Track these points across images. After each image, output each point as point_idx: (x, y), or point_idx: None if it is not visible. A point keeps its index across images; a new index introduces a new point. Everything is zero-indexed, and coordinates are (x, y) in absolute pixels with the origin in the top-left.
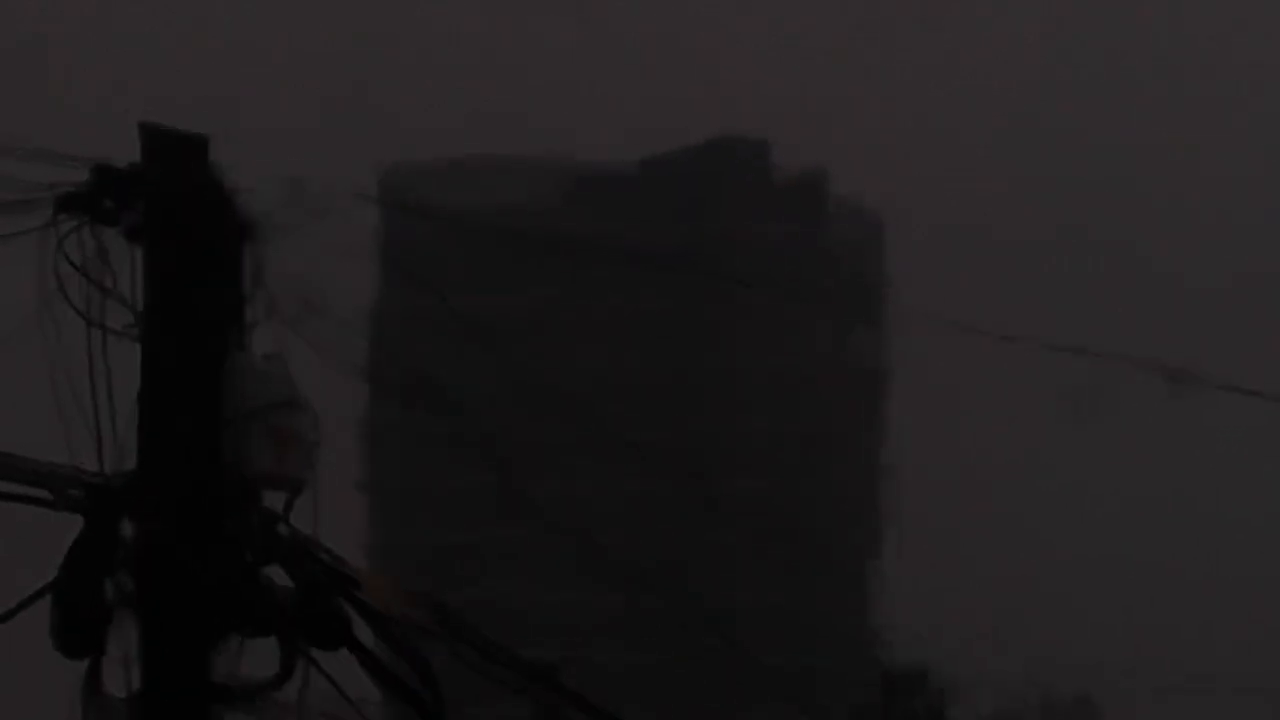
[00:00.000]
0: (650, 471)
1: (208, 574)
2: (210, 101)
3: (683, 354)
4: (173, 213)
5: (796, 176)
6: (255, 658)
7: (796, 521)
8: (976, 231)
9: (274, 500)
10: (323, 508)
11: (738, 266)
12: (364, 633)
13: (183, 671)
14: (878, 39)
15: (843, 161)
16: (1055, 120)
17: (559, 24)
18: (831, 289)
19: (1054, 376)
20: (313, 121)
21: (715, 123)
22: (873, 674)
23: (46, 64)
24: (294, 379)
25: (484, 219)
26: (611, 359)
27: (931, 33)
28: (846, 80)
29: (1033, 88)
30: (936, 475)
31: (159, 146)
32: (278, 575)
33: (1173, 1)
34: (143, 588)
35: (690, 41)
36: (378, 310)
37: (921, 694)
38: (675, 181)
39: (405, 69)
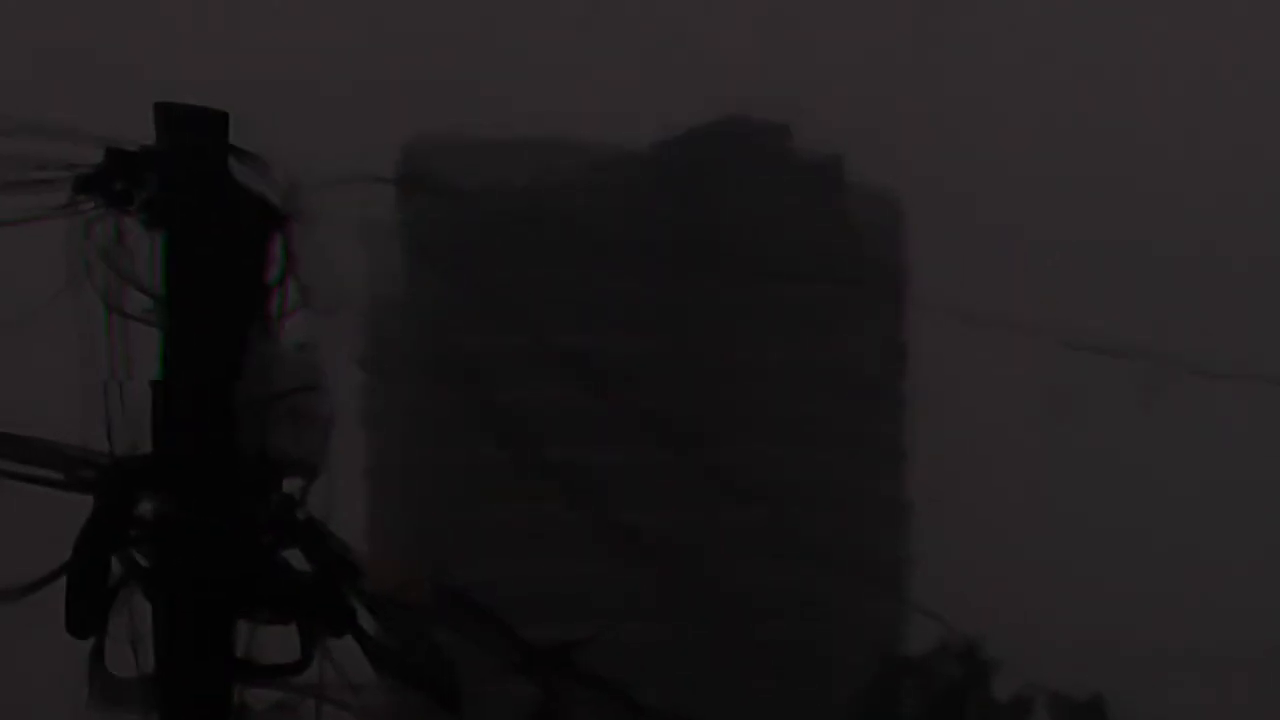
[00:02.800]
0: (666, 449)
1: (223, 555)
2: (225, 84)
3: (697, 335)
4: (191, 196)
5: (814, 159)
6: (266, 644)
7: (815, 502)
8: (995, 221)
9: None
10: (331, 493)
11: (754, 247)
12: (366, 621)
13: (200, 650)
14: (897, 23)
15: (860, 146)
16: (1075, 112)
17: (575, 2)
18: (849, 272)
19: (1067, 369)
20: (329, 103)
21: (731, 104)
22: (885, 653)
23: (64, 42)
24: (318, 364)
25: (500, 199)
26: (627, 338)
27: (953, 19)
28: (866, 63)
29: (1055, 78)
30: (954, 460)
31: (177, 126)
32: (294, 560)
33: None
34: (158, 565)
35: (707, 20)
36: (398, 291)
37: (969, 663)
38: (690, 162)
39: (420, 49)
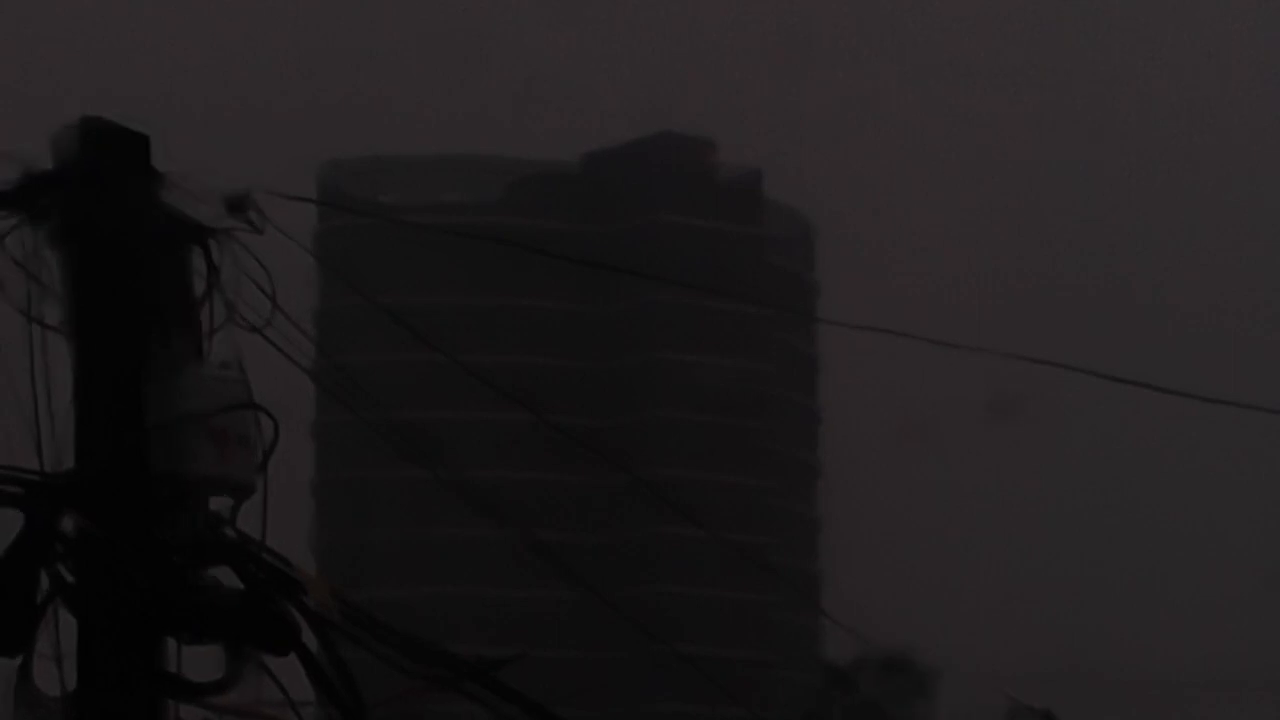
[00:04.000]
0: (589, 465)
1: (140, 573)
2: (148, 99)
3: (617, 349)
4: (103, 213)
5: (734, 176)
6: (203, 662)
7: (732, 517)
8: (906, 238)
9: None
10: (275, 509)
11: (674, 263)
12: (307, 637)
13: (122, 667)
14: (821, 41)
15: (781, 163)
16: (995, 124)
17: (504, 17)
18: (765, 288)
19: (984, 380)
20: (250, 119)
21: (657, 120)
22: (818, 667)
23: None
24: (248, 383)
25: (421, 216)
26: (545, 353)
27: (875, 37)
28: (789, 81)
29: (978, 91)
30: (866, 472)
31: (99, 142)
32: (229, 578)
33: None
34: (81, 584)
35: (632, 38)
36: (318, 310)
37: (905, 675)
38: (616, 178)
39: (344, 64)
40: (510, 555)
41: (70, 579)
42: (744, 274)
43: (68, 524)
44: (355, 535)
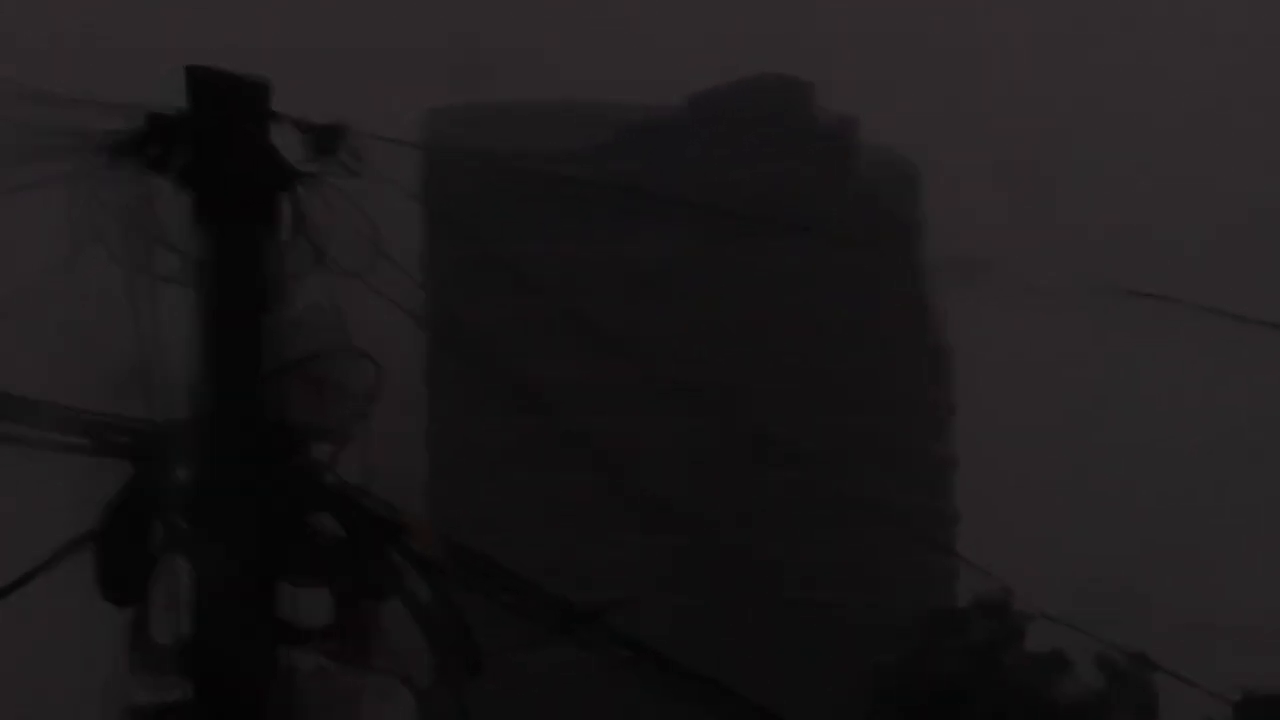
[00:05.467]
0: (698, 416)
1: (253, 520)
2: (251, 50)
3: (724, 299)
4: (221, 159)
5: (832, 121)
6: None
7: (851, 463)
8: (1011, 178)
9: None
10: (387, 457)
11: (776, 209)
12: (415, 582)
13: (236, 614)
14: None
15: (881, 107)
16: (1086, 73)
17: None
18: (872, 231)
19: (1095, 321)
20: (354, 65)
21: (755, 65)
22: (921, 613)
23: (89, 8)
24: (345, 328)
25: (526, 164)
26: (655, 304)
27: None
28: (891, 28)
29: (1068, 40)
30: (988, 418)
31: (207, 91)
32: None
33: None
34: (197, 530)
35: None
36: (424, 258)
37: (1003, 618)
38: (717, 123)
39: (444, 15)
40: (621, 505)
41: (184, 528)
42: (848, 218)
43: (181, 473)
44: (468, 483)
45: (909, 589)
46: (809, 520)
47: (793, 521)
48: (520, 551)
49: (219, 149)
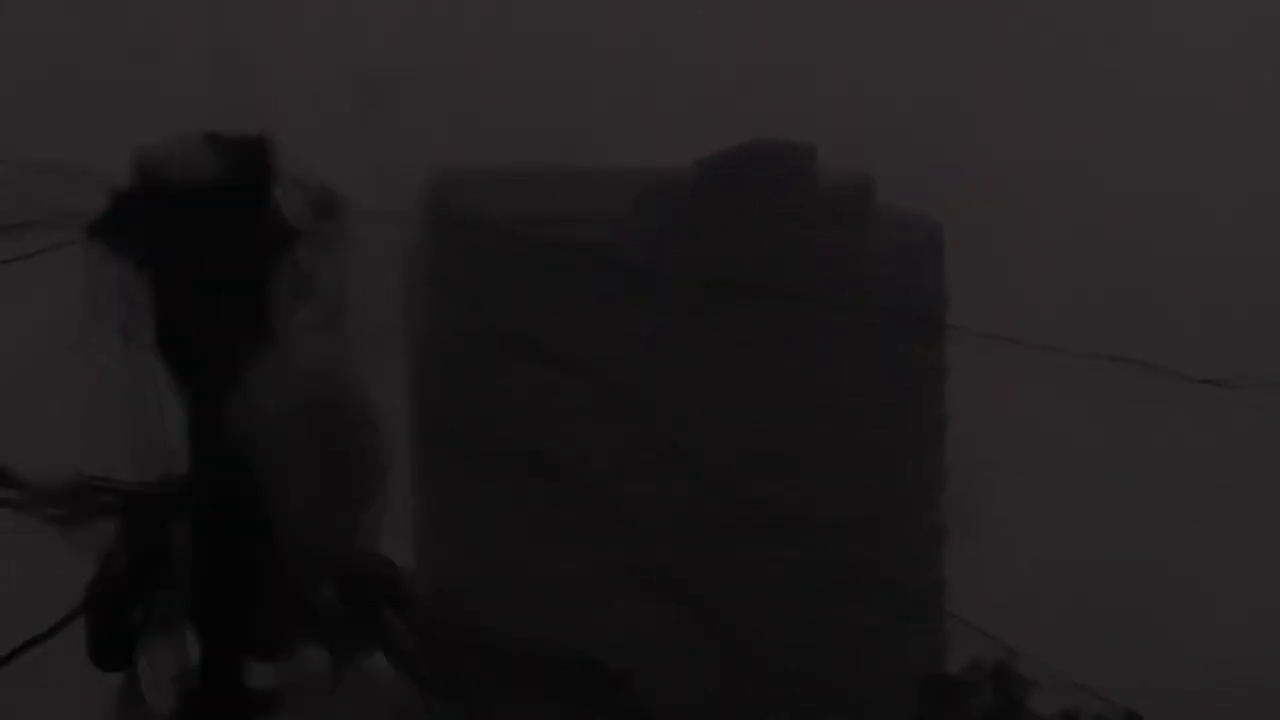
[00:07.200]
0: (695, 484)
1: (262, 582)
2: (244, 107)
3: (725, 367)
4: (191, 230)
5: (842, 184)
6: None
7: (849, 531)
8: (1027, 242)
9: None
10: (382, 518)
11: (788, 278)
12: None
13: (223, 681)
14: (920, 42)
15: (891, 169)
16: (1108, 124)
17: (591, 25)
18: (882, 300)
19: (1108, 388)
20: (350, 128)
21: (753, 129)
22: (924, 677)
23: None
24: (351, 394)
25: (527, 230)
26: (660, 372)
27: (986, 34)
28: (892, 84)
29: (1090, 93)
30: (993, 483)
31: (227, 157)
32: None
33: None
34: (201, 600)
35: (728, 45)
36: (423, 322)
37: (1006, 684)
38: (724, 189)
39: (441, 75)
40: (618, 573)
41: (169, 601)
42: (861, 284)
43: (172, 535)
44: (462, 548)
45: (905, 657)
46: (805, 589)
47: (791, 591)
48: (513, 615)
49: (179, 225)
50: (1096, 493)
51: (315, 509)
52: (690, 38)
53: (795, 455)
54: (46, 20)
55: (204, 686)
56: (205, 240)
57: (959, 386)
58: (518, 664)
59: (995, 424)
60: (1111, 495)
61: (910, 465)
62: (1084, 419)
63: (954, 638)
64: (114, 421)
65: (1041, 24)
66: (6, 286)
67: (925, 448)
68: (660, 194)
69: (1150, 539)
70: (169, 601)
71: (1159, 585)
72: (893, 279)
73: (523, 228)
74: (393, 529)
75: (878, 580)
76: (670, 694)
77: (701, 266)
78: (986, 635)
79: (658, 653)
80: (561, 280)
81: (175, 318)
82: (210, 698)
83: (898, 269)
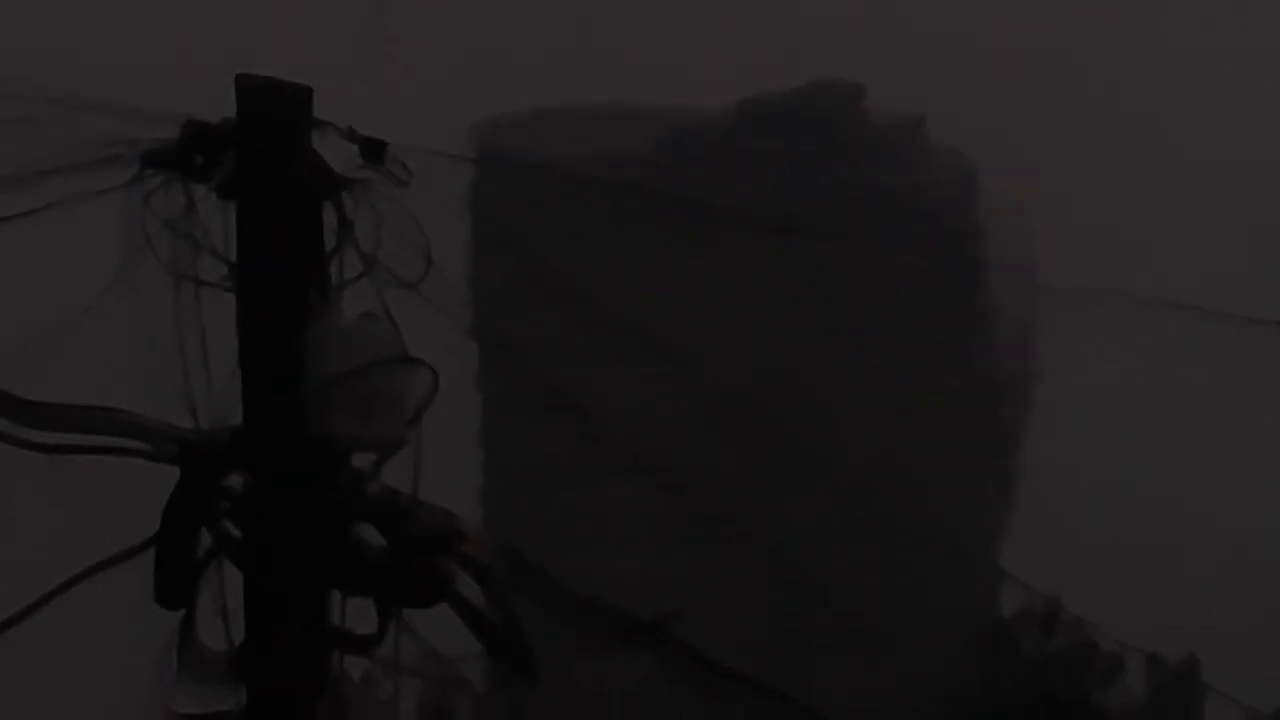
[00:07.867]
0: (748, 430)
1: (303, 530)
2: (299, 63)
3: (778, 309)
4: (266, 168)
5: (893, 122)
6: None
7: (905, 479)
8: (1071, 181)
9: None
10: (441, 464)
11: (836, 216)
12: (468, 588)
13: (288, 621)
14: None
15: (939, 108)
16: (1162, 69)
17: None
18: (930, 239)
19: (1146, 333)
20: (401, 73)
21: (809, 69)
22: (973, 624)
23: (135, 18)
24: (394, 338)
25: (573, 171)
26: (709, 313)
27: None
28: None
29: (1140, 40)
30: (1054, 431)
31: (255, 99)
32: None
33: None
34: (247, 538)
35: None
36: (473, 268)
37: (1052, 630)
38: (772, 130)
39: (492, 26)
40: (670, 519)
41: (235, 534)
42: (909, 224)
43: (233, 479)
44: (520, 494)
45: (956, 603)
46: (860, 535)
47: (845, 537)
48: (569, 562)
49: (263, 157)
50: (1163, 451)
51: (362, 454)
52: None
53: (845, 398)
54: None
55: (257, 628)
56: (262, 181)
57: (1043, 339)
58: (575, 611)
59: (1080, 377)
60: (1183, 453)
61: (982, 414)
62: (1170, 377)
63: (1006, 586)
64: (166, 365)
65: None
66: (64, 228)
67: (1000, 398)
68: (708, 132)
69: (1221, 501)
70: (224, 542)
71: (1233, 553)
72: (938, 219)
73: (564, 167)
74: (456, 479)
75: (936, 529)
76: (721, 636)
77: (747, 205)
78: (1033, 589)
79: (708, 598)
80: (607, 219)
81: (243, 258)
82: (264, 641)
83: (946, 208)
